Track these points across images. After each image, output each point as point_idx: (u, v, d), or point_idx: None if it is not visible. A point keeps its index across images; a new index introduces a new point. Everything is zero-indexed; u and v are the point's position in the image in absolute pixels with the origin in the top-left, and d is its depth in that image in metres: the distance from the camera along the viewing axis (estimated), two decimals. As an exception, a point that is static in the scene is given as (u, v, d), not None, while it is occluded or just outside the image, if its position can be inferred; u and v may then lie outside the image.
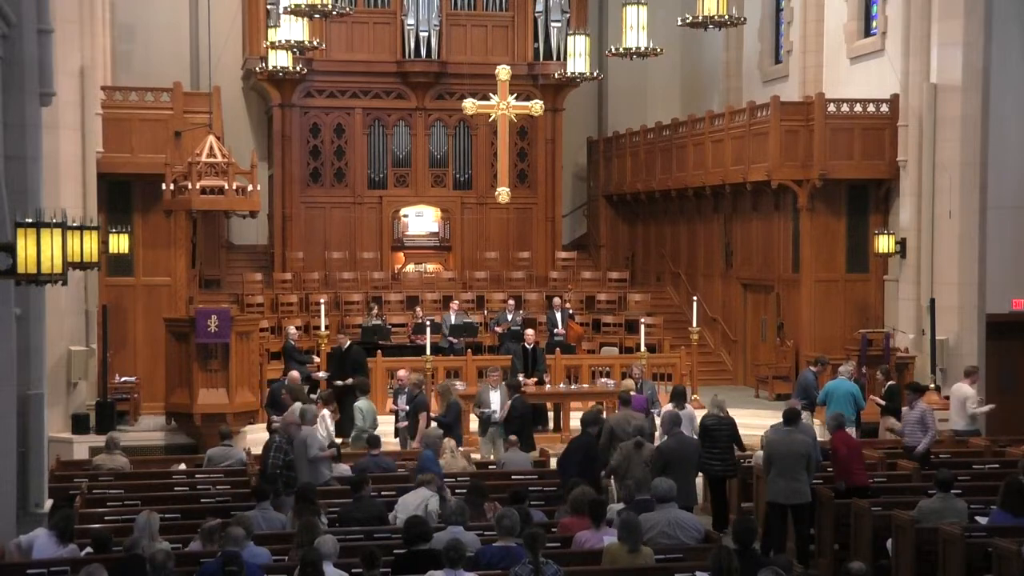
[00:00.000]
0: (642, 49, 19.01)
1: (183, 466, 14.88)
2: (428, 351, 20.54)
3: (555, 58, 27.88)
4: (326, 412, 16.33)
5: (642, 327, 20.89)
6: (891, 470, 14.70)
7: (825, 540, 13.17)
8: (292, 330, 21.55)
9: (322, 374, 20.40)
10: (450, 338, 22.82)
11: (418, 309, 24.68)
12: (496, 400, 16.97)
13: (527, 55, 28.47)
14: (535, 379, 19.85)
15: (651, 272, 29.98)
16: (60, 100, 17.01)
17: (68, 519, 10.57)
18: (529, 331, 20.67)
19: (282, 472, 12.68)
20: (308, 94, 28.01)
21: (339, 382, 18.89)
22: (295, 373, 17.68)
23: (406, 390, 17.14)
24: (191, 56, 28.28)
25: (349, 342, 19.59)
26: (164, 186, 20.23)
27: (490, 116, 22.36)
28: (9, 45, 13.51)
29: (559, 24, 28.19)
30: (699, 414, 16.01)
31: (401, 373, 17.99)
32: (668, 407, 16.00)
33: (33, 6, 14.21)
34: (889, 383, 18.15)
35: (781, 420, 13.60)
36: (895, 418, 17.75)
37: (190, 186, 19.83)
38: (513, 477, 13.64)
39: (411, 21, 27.72)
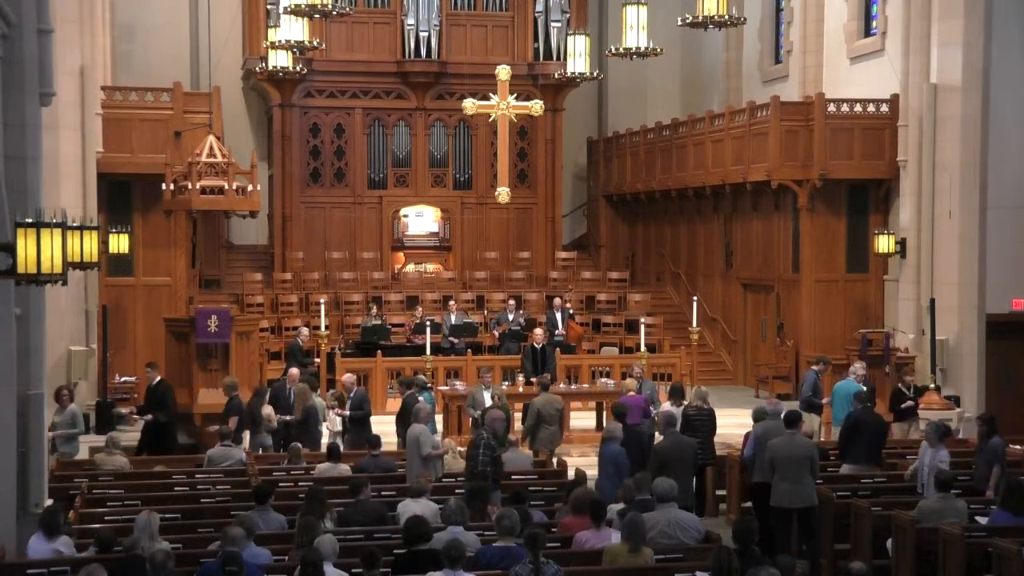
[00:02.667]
0: (642, 49, 19.02)
1: (161, 467, 14.80)
2: (428, 351, 20.52)
3: (555, 58, 27.87)
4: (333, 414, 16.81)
5: (642, 327, 20.87)
6: (891, 470, 14.70)
7: (825, 540, 13.16)
8: (304, 331, 21.51)
9: (124, 410, 19.55)
10: (451, 338, 22.81)
11: (418, 309, 24.67)
12: (489, 401, 16.90)
13: (527, 55, 28.46)
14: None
15: (651, 272, 29.97)
16: (60, 100, 16.98)
17: (53, 514, 10.63)
18: (538, 331, 20.62)
19: (491, 470, 12.58)
20: (308, 94, 28.00)
21: (148, 417, 17.37)
22: (295, 370, 17.66)
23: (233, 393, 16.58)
24: (191, 56, 28.26)
25: (159, 378, 17.67)
26: (164, 186, 20.24)
27: (490, 116, 22.35)
28: (9, 45, 13.49)
29: (559, 24, 28.18)
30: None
31: (346, 377, 17.64)
32: (666, 405, 16.02)
33: (33, 6, 14.18)
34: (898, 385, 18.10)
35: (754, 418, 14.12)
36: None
37: (190, 186, 19.83)
38: (513, 477, 13.61)
39: (411, 21, 27.71)
